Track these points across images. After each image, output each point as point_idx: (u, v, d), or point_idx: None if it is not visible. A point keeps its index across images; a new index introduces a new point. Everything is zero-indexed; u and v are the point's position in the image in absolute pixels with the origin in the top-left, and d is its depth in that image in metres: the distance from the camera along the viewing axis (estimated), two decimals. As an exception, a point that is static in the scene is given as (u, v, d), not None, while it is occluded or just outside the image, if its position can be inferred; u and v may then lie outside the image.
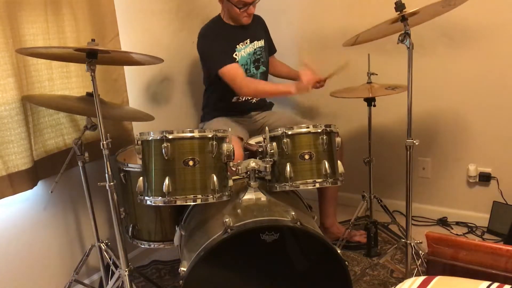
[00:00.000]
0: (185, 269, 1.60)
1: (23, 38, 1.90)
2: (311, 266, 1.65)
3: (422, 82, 2.57)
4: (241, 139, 2.35)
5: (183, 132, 1.67)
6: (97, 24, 2.18)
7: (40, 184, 2.00)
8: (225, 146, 1.72)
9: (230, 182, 1.75)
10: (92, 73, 1.62)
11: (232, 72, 2.33)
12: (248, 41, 2.49)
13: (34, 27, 1.94)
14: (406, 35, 1.77)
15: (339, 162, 1.83)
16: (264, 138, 1.81)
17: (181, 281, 1.58)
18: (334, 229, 2.58)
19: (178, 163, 1.65)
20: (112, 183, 1.72)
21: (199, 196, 1.67)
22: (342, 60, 2.31)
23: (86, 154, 1.93)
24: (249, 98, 2.53)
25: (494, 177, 2.62)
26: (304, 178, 1.76)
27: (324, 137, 1.76)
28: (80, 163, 1.94)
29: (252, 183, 1.80)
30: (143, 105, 2.52)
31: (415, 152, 1.92)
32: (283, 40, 2.90)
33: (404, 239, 1.98)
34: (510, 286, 1.16)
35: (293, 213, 1.64)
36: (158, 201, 1.67)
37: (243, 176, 1.85)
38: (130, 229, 2.04)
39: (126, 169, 2.00)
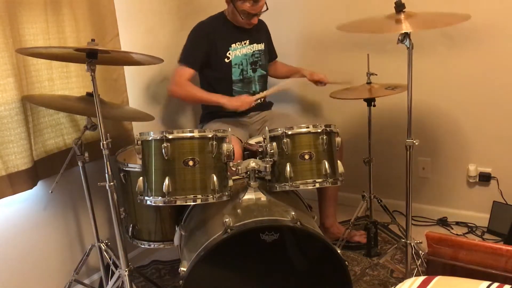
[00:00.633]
0: (185, 269, 1.60)
1: (23, 38, 1.90)
2: (311, 266, 1.65)
3: (422, 82, 2.56)
4: (241, 140, 2.35)
5: (183, 132, 1.67)
6: (97, 24, 2.18)
7: (40, 184, 2.00)
8: (225, 146, 1.72)
9: (230, 182, 1.75)
10: (92, 73, 1.62)
11: (182, 72, 2.37)
12: (247, 41, 2.49)
13: (34, 27, 1.94)
14: (406, 35, 1.78)
15: (339, 162, 1.83)
16: (264, 138, 1.81)
17: (181, 281, 1.58)
18: (334, 229, 2.58)
19: (178, 163, 1.65)
20: (112, 183, 1.72)
21: (199, 196, 1.67)
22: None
23: (86, 154, 1.93)
24: None
25: (494, 177, 2.62)
26: (304, 178, 1.76)
27: (324, 137, 1.76)
28: (80, 163, 1.94)
29: (252, 183, 1.80)
30: (143, 105, 2.52)
31: (415, 152, 1.92)
32: (282, 40, 2.90)
33: (404, 239, 1.98)
34: (510, 286, 1.16)
35: (293, 213, 1.64)
36: (158, 201, 1.67)
37: (243, 176, 1.85)
38: (130, 229, 2.04)
39: (126, 169, 2.00)
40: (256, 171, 1.80)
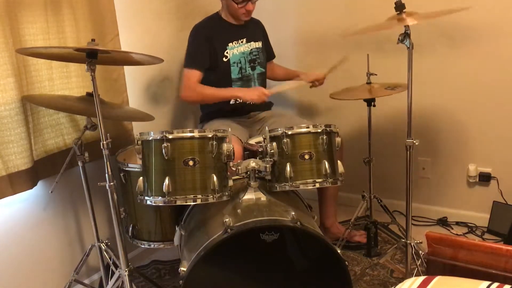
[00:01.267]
0: (185, 269, 1.60)
1: (23, 38, 1.90)
2: (311, 266, 1.66)
3: (422, 82, 2.56)
4: (241, 139, 2.35)
5: (183, 132, 1.67)
6: (97, 24, 2.18)
7: (40, 184, 2.00)
8: (225, 146, 1.72)
9: (230, 182, 1.75)
10: (92, 73, 1.62)
11: (190, 76, 2.37)
12: (244, 40, 2.49)
13: (34, 27, 1.93)
14: (406, 35, 1.78)
15: (339, 162, 1.83)
16: (264, 138, 1.81)
17: (181, 281, 1.58)
18: (334, 229, 2.58)
19: (178, 163, 1.65)
20: (112, 183, 1.72)
21: (199, 196, 1.67)
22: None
23: (86, 154, 1.93)
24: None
25: (494, 177, 2.62)
26: (304, 178, 1.76)
27: (324, 137, 1.76)
28: (80, 163, 1.94)
29: (252, 183, 1.80)
30: (143, 105, 2.52)
31: (415, 152, 1.93)
32: (282, 41, 2.91)
33: (404, 239, 1.98)
34: (510, 286, 1.16)
35: (293, 213, 1.64)
36: (158, 201, 1.67)
37: (243, 176, 1.85)
38: (130, 229, 2.04)
39: (126, 169, 2.00)
40: (256, 171, 1.80)
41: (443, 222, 2.76)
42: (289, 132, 1.75)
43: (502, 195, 2.59)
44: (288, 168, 1.74)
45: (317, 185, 1.78)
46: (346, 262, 1.65)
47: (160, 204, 1.70)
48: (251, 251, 1.62)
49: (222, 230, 1.59)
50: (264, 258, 1.62)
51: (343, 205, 2.78)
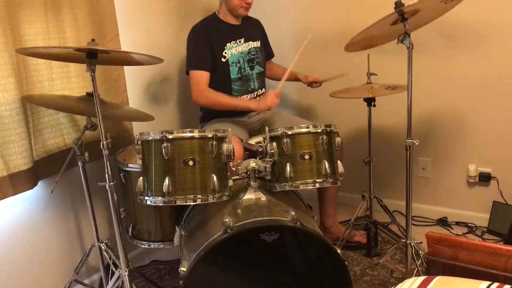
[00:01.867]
0: (185, 269, 1.60)
1: (23, 38, 1.90)
2: (311, 266, 1.65)
3: (422, 82, 2.57)
4: (241, 139, 2.35)
5: (183, 132, 1.67)
6: (97, 24, 2.18)
7: (40, 184, 2.00)
8: (225, 146, 1.72)
9: (230, 182, 1.75)
10: (92, 73, 1.62)
11: (198, 78, 2.36)
12: (242, 40, 2.49)
13: (34, 27, 1.94)
14: (406, 35, 1.77)
15: (339, 162, 1.83)
16: (264, 138, 1.80)
17: (181, 281, 1.58)
18: (334, 229, 2.58)
19: (178, 163, 1.65)
20: (112, 183, 1.72)
21: (199, 196, 1.67)
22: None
23: (86, 154, 1.93)
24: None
25: (494, 177, 2.62)
26: (304, 178, 1.76)
27: (324, 137, 1.76)
28: (80, 163, 1.94)
29: (252, 183, 1.80)
30: (143, 105, 2.52)
31: (415, 152, 1.92)
32: (281, 40, 2.90)
33: (404, 239, 1.98)
34: (510, 286, 1.16)
35: (293, 213, 1.64)
36: (158, 201, 1.67)
37: (243, 176, 1.85)
38: (130, 229, 2.04)
39: (126, 169, 2.00)
40: (256, 171, 1.80)
41: (443, 222, 2.76)
42: (289, 132, 1.75)
43: (502, 195, 2.59)
44: (288, 168, 1.74)
45: (317, 185, 1.78)
46: (346, 262, 1.64)
47: (160, 204, 1.70)
48: (251, 251, 1.62)
49: (222, 230, 1.59)
50: (264, 258, 1.62)
51: (343, 205, 2.78)
